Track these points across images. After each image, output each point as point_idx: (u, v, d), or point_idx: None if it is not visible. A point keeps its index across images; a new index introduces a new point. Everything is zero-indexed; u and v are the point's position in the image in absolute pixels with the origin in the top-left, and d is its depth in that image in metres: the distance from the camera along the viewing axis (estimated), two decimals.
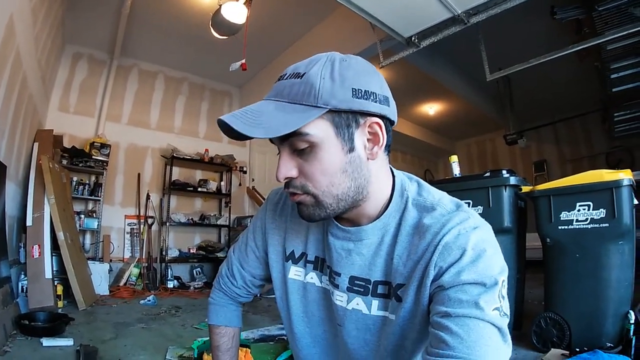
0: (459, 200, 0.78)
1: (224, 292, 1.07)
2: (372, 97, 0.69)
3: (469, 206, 2.66)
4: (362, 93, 0.68)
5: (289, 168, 0.72)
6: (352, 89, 0.68)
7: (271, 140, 0.72)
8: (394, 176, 0.82)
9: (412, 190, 0.80)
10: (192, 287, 5.65)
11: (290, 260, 0.92)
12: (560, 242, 2.54)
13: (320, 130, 0.68)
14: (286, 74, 0.72)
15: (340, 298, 0.82)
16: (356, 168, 0.72)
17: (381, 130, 0.72)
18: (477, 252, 0.66)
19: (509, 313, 0.66)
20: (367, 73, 0.71)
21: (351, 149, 0.70)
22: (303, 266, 0.91)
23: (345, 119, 0.69)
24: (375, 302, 0.79)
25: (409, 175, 0.86)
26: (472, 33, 3.92)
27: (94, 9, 4.94)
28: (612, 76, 4.08)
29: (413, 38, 3.98)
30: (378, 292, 0.78)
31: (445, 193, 0.81)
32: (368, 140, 0.73)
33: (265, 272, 1.02)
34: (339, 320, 0.84)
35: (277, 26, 5.37)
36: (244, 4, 4.00)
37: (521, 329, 2.94)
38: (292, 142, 0.69)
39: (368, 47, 4.58)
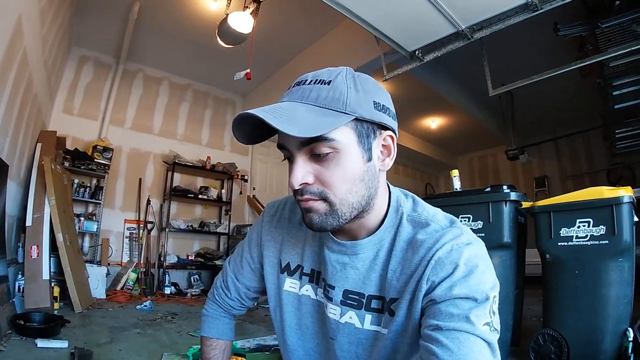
0: (453, 217, 0.80)
1: (217, 304, 1.08)
2: (387, 112, 0.73)
3: (469, 221, 2.67)
4: (381, 107, 0.72)
5: (305, 174, 0.70)
6: (374, 101, 0.71)
7: (282, 146, 0.72)
8: (389, 192, 0.84)
9: (407, 207, 0.82)
10: (189, 294, 5.62)
11: (285, 272, 0.93)
12: (560, 258, 2.52)
13: (344, 136, 0.69)
14: (307, 80, 0.72)
15: (333, 311, 0.83)
16: (371, 178, 0.73)
17: (393, 143, 0.76)
18: (469, 267, 0.67)
19: (499, 329, 0.66)
20: (380, 89, 0.74)
21: (369, 159, 0.72)
22: (298, 278, 0.91)
23: (366, 128, 0.71)
24: (368, 317, 0.79)
25: (405, 191, 0.88)
26: (475, 48, 3.96)
27: (102, 13, 5.00)
28: (614, 93, 4.09)
29: (417, 52, 4.01)
30: (371, 306, 0.79)
31: (439, 209, 0.82)
32: (381, 152, 0.75)
33: (259, 285, 1.02)
34: (331, 333, 0.84)
35: (283, 37, 5.43)
36: (251, 13, 4.04)
37: (519, 345, 2.92)
38: (315, 147, 0.68)
39: (372, 60, 4.63)
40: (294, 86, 0.73)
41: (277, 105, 0.68)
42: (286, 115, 0.65)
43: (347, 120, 0.67)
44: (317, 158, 0.69)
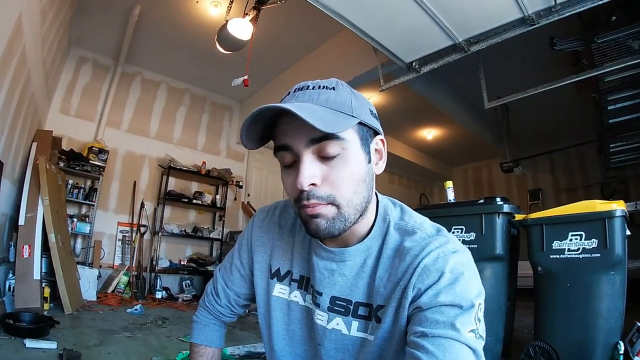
0: (440, 225, 0.81)
1: (208, 310, 1.08)
2: (378, 119, 0.78)
3: (461, 232, 2.67)
4: (374, 114, 0.78)
5: (314, 173, 0.69)
6: (369, 109, 0.75)
7: (285, 147, 0.71)
8: (377, 200, 0.85)
9: (395, 215, 0.83)
10: (180, 299, 5.58)
11: (275, 278, 0.93)
12: (552, 271, 2.53)
13: (351, 138, 0.71)
14: (309, 86, 0.74)
15: (320, 317, 0.83)
16: (370, 180, 0.76)
17: (384, 147, 0.80)
18: (454, 275, 0.68)
19: (484, 336, 0.67)
20: (368, 101, 0.79)
21: (369, 161, 0.75)
22: (288, 284, 0.91)
23: (366, 132, 0.74)
24: (355, 323, 0.80)
25: (393, 200, 0.89)
26: (471, 61, 3.99)
27: (103, 15, 5.01)
28: (609, 107, 4.13)
29: (414, 63, 4.04)
30: (358, 313, 0.79)
31: (426, 218, 0.83)
32: (374, 155, 0.78)
33: (249, 291, 1.03)
34: (318, 339, 0.84)
35: (281, 45, 5.47)
36: (250, 20, 4.06)
37: (510, 356, 2.92)
38: (324, 147, 0.68)
39: (369, 71, 4.66)
40: (295, 91, 0.74)
41: (294, 103, 0.69)
42: (309, 110, 0.66)
43: (354, 123, 0.70)
44: (324, 158, 0.70)
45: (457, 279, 0.67)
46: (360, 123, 0.72)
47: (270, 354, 0.94)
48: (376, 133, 0.78)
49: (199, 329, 1.07)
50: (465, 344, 0.62)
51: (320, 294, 0.83)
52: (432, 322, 0.64)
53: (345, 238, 0.80)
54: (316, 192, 0.69)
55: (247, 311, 4.77)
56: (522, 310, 3.37)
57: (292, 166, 0.73)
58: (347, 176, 0.70)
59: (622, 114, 4.16)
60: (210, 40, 4.54)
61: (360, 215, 0.75)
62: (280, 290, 0.92)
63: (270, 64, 5.96)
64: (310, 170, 0.69)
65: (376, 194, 0.85)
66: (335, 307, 0.81)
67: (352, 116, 0.70)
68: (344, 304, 0.81)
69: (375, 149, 0.78)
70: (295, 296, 0.90)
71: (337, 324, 0.81)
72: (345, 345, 0.81)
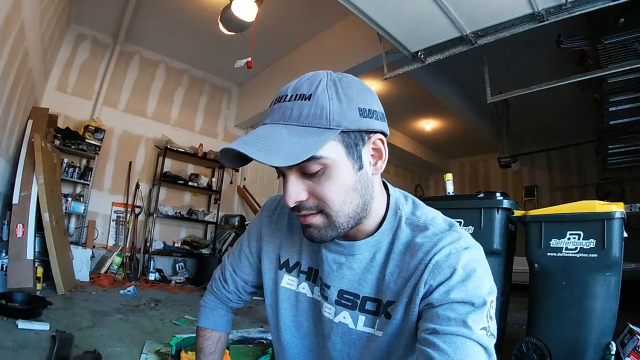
0: (453, 220, 0.79)
1: (215, 295, 1.08)
2: (374, 115, 0.71)
3: (460, 225, 2.67)
4: (367, 112, 0.70)
5: (298, 191, 0.70)
6: (359, 108, 0.69)
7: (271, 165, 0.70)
8: (388, 193, 0.83)
9: (407, 210, 0.81)
10: (173, 282, 5.59)
11: (284, 269, 0.92)
12: (548, 269, 2.55)
13: (332, 151, 0.67)
14: (287, 95, 0.69)
15: (328, 310, 0.83)
16: (364, 185, 0.73)
17: (384, 146, 0.74)
18: (467, 271, 0.67)
19: (496, 334, 0.66)
20: (366, 91, 0.72)
21: (360, 167, 0.71)
22: (296, 276, 0.91)
23: (354, 138, 0.69)
24: (361, 318, 0.79)
25: (405, 193, 0.87)
26: (477, 54, 3.96)
27: None
28: (611, 109, 4.14)
29: (419, 53, 3.99)
30: (366, 308, 0.79)
31: (439, 212, 0.82)
32: (372, 156, 0.74)
33: (257, 279, 1.02)
34: (326, 332, 0.84)
35: (284, 28, 5.39)
36: (255, 1, 3.99)
37: (501, 352, 2.94)
38: (304, 166, 0.67)
39: (373, 58, 4.60)
40: (275, 103, 0.71)
41: (259, 133, 0.67)
42: (268, 144, 0.64)
43: (332, 136, 0.66)
44: (307, 174, 0.69)
45: (469, 275, 0.66)
46: (344, 131, 0.67)
47: (278, 344, 0.94)
48: (373, 131, 0.72)
49: (206, 313, 1.08)
50: (477, 342, 0.62)
51: (328, 287, 0.82)
52: (444, 319, 0.64)
53: (353, 234, 0.79)
54: (305, 204, 0.71)
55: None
56: (513, 305, 3.40)
57: (284, 177, 0.72)
58: (332, 190, 0.69)
59: (623, 116, 4.17)
60: (211, 21, 4.47)
61: (362, 218, 0.75)
62: (288, 281, 0.91)
63: (273, 47, 5.88)
64: (294, 189, 0.69)
65: (387, 188, 0.84)
66: (342, 301, 0.81)
67: (329, 128, 0.66)
68: (352, 297, 0.80)
69: (373, 148, 0.73)
70: (304, 288, 0.89)
71: (344, 317, 0.81)
72: (351, 339, 0.80)
